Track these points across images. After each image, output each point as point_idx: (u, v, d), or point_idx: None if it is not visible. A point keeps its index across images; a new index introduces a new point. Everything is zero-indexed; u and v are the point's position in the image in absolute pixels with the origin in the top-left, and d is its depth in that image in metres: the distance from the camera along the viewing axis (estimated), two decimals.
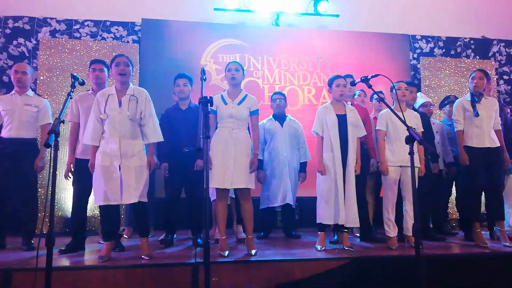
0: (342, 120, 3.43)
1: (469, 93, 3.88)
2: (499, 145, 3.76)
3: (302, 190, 4.46)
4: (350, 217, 3.31)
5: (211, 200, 3.80)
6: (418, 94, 4.69)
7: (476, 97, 3.77)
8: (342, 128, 3.41)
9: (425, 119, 3.98)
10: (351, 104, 3.80)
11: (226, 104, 3.26)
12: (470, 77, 3.84)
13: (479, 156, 3.68)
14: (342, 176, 3.34)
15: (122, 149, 3.01)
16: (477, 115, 3.69)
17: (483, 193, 3.81)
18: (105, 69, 3.55)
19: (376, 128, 3.70)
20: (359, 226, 3.47)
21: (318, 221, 3.43)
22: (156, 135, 3.19)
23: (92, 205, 4.67)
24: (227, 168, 3.13)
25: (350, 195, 3.33)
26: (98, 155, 3.04)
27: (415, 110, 4.04)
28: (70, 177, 3.44)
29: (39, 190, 4.33)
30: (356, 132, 3.47)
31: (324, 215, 3.38)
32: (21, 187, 3.62)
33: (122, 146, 3.02)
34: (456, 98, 4.78)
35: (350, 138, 3.40)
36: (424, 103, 4.50)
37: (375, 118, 4.06)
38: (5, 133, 3.61)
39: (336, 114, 3.45)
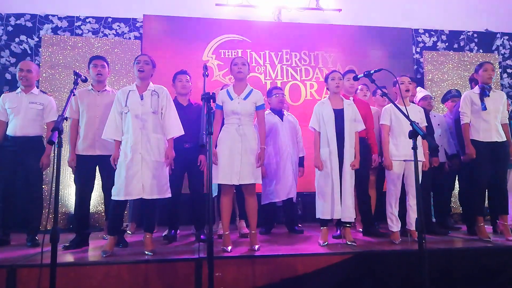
0: (339, 115, 3.41)
1: (476, 86, 3.81)
2: (506, 139, 3.72)
3: (305, 185, 4.46)
4: (346, 212, 3.31)
5: (214, 195, 3.79)
6: (417, 88, 4.66)
7: (487, 90, 3.69)
8: (338, 123, 3.39)
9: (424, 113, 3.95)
10: (353, 99, 3.78)
11: (232, 99, 3.25)
12: (482, 69, 3.72)
13: (485, 150, 3.65)
14: (338, 171, 3.33)
15: (143, 143, 3.05)
16: (485, 109, 3.63)
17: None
18: (106, 65, 3.56)
19: (380, 123, 3.67)
20: (354, 220, 3.46)
21: (317, 216, 3.44)
22: (178, 129, 3.23)
23: (96, 201, 4.70)
24: (235, 164, 3.14)
25: (346, 190, 3.32)
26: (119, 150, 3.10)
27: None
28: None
29: (44, 187, 4.35)
30: (354, 127, 3.45)
31: (321, 210, 3.39)
32: (27, 184, 3.63)
33: (143, 140, 3.06)
34: (459, 92, 4.76)
35: (346, 132, 3.38)
36: (423, 96, 4.46)
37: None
38: (10, 131, 3.62)
39: (333, 109, 3.42)
